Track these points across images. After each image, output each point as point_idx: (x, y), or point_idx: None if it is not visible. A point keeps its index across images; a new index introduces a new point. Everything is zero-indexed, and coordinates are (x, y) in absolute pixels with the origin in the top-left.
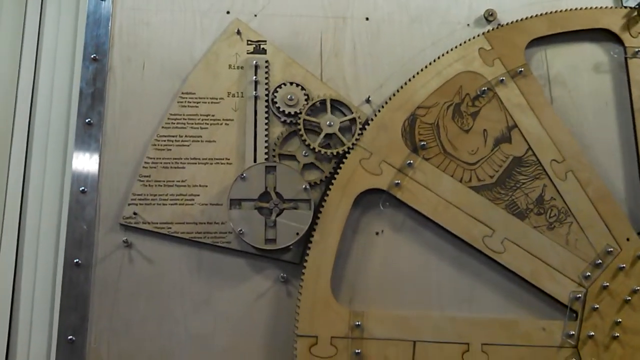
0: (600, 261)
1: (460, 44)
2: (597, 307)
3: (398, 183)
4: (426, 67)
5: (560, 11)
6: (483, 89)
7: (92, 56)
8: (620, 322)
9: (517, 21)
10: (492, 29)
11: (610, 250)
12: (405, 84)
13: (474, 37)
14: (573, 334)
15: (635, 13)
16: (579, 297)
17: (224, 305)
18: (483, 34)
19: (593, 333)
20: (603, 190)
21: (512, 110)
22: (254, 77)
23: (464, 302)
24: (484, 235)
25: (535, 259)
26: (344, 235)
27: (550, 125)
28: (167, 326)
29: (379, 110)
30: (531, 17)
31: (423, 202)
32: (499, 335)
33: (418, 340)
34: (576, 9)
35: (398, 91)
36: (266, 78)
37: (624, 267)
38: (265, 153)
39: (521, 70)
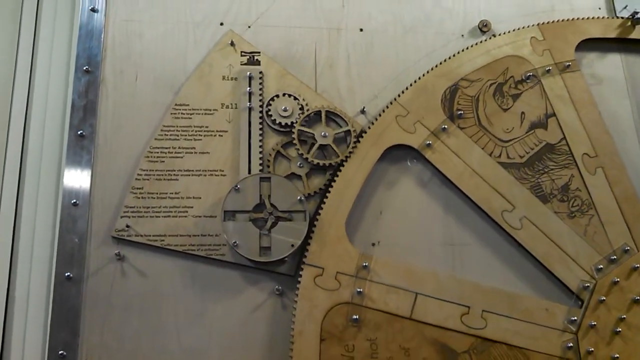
0: (615, 257)
1: (503, 33)
2: (604, 300)
3: (429, 144)
4: (471, 46)
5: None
6: (528, 74)
7: (85, 68)
8: (624, 318)
9: (573, 19)
10: (543, 25)
11: (627, 249)
12: (435, 66)
13: (525, 27)
14: (575, 320)
15: (629, 23)
16: (588, 286)
17: (219, 319)
18: (537, 24)
19: (595, 323)
20: (630, 192)
21: (553, 100)
22: (248, 88)
23: (473, 269)
24: (504, 209)
25: (550, 242)
26: (368, 184)
27: (589, 121)
28: (160, 341)
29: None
30: (586, 18)
31: (450, 166)
32: (501, 305)
33: (420, 293)
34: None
35: (445, 61)
36: (260, 89)
37: (638, 267)
38: (260, 164)
39: (569, 65)
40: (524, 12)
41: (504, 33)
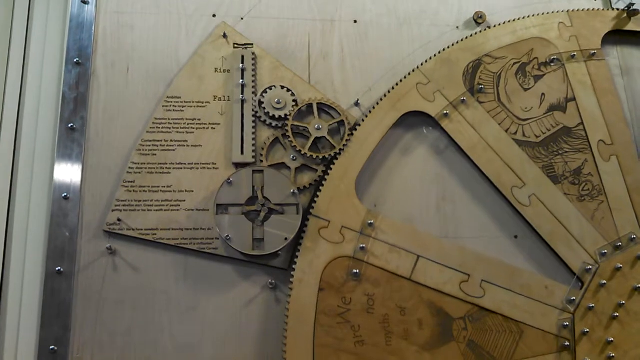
0: (620, 244)
1: (533, 16)
2: (604, 284)
3: (447, 114)
4: (499, 25)
5: (504, 23)
6: (553, 57)
7: (75, 60)
8: (624, 304)
9: (599, 9)
10: (572, 12)
11: (634, 238)
12: (448, 48)
13: (554, 12)
14: (574, 300)
15: (625, 15)
16: (590, 269)
17: (211, 313)
18: (567, 11)
19: (593, 305)
20: None
21: (575, 85)
22: (241, 80)
23: (478, 239)
24: (514, 185)
25: (557, 222)
26: (382, 147)
27: (608, 110)
28: (152, 335)
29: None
30: (583, 10)
31: (465, 137)
32: (501, 277)
33: (422, 256)
34: (568, 10)
35: (471, 36)
36: (253, 82)
37: None
38: (253, 157)
39: (594, 53)
40: (520, 4)
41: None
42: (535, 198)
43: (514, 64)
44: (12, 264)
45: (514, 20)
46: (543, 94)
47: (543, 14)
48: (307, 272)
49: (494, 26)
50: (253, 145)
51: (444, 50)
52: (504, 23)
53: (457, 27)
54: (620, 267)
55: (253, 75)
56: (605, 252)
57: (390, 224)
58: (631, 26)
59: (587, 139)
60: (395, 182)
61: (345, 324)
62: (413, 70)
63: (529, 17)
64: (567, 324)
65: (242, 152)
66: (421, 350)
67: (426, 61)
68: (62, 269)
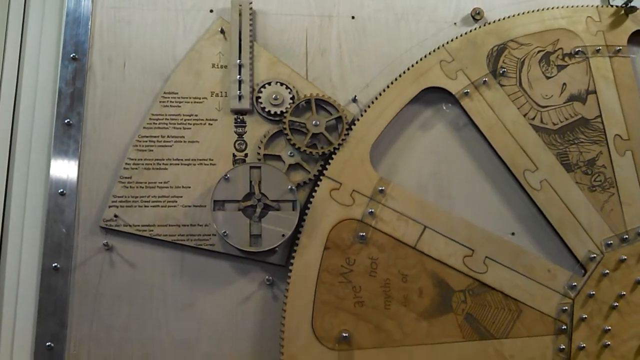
0: (627, 237)
1: (541, 10)
2: (607, 273)
3: (467, 93)
4: (528, 12)
5: (550, 8)
6: (578, 49)
7: (72, 55)
8: (624, 295)
9: (602, 6)
10: (601, 7)
11: None
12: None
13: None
14: (575, 286)
15: (622, 12)
16: (594, 257)
17: (208, 310)
18: (596, 6)
19: (594, 293)
20: None
21: (597, 78)
22: (238, 76)
23: (487, 217)
24: (526, 168)
25: (566, 209)
26: (399, 119)
27: (628, 106)
28: (149, 332)
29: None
30: (580, 6)
31: (483, 117)
32: (505, 256)
33: (429, 227)
34: (563, 7)
35: (499, 20)
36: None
37: None
38: (250, 104)
39: (619, 49)
40: (517, 0)
41: (497, 21)
42: (547, 183)
43: (539, 51)
44: (8, 260)
45: (542, 9)
46: (564, 84)
47: (569, 7)
48: (315, 230)
49: (521, 14)
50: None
51: (442, 46)
52: (532, 11)
53: (455, 24)
54: (625, 259)
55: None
56: (611, 243)
57: (401, 193)
58: None
59: (604, 132)
60: (409, 155)
61: (347, 284)
62: (435, 50)
63: (557, 7)
64: (567, 308)
65: (240, 100)
66: (419, 317)
67: (449, 41)
68: (58, 265)
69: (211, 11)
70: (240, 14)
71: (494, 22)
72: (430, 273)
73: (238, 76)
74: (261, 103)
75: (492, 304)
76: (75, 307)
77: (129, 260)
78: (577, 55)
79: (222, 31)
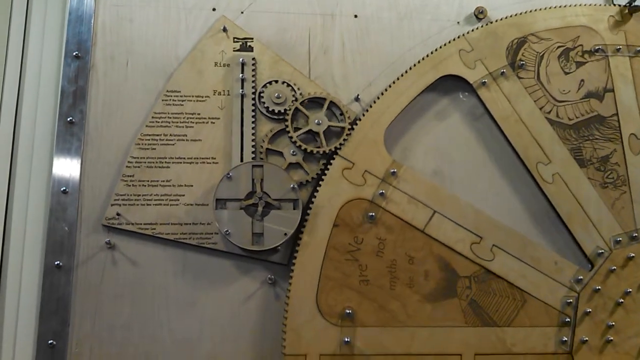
0: (636, 235)
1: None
2: (614, 269)
3: (485, 83)
4: (547, 8)
5: (572, 6)
6: (598, 47)
7: (75, 53)
8: (630, 292)
9: (605, 5)
10: (623, 7)
11: None
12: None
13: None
14: (581, 280)
15: (626, 11)
16: (602, 253)
17: (210, 309)
18: (619, 6)
19: (600, 288)
20: None
21: (615, 77)
22: (241, 74)
23: (498, 206)
24: (539, 161)
25: (577, 203)
26: (414, 106)
27: None
28: (151, 330)
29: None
30: (583, 5)
31: (499, 107)
32: (513, 245)
33: (439, 212)
34: (567, 6)
35: (520, 14)
36: (253, 76)
37: None
38: (252, 152)
39: (639, 51)
40: None
41: (482, 26)
42: (559, 177)
43: (559, 47)
44: (11, 258)
45: (564, 6)
46: (582, 80)
47: (591, 5)
48: (325, 207)
49: (537, 9)
50: (253, 140)
51: (462, 35)
52: (554, 7)
53: (458, 22)
54: (633, 257)
55: (253, 70)
56: (619, 240)
57: (413, 176)
58: None
59: (620, 130)
60: (423, 141)
61: (353, 262)
62: (454, 39)
63: (579, 5)
64: (571, 301)
65: (242, 159)
66: (423, 300)
67: (470, 31)
68: (61, 263)
69: (214, 9)
70: (243, 66)
71: (516, 15)
72: (437, 257)
73: (240, 75)
74: (264, 102)
75: (497, 292)
76: (77, 306)
77: (131, 259)
78: (596, 53)
79: (224, 29)
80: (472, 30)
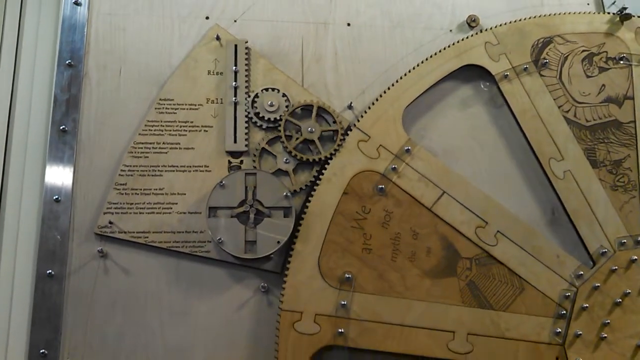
0: None
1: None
2: (616, 270)
3: (507, 75)
4: (577, 12)
5: (583, 13)
6: (622, 56)
7: (67, 62)
8: (630, 293)
9: (592, 13)
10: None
11: None
12: (458, 42)
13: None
14: (581, 275)
15: (617, 19)
16: (605, 252)
17: (203, 317)
18: (609, 13)
19: (599, 285)
20: None
21: (637, 86)
22: (234, 83)
23: (505, 194)
24: (552, 157)
25: (585, 201)
26: (435, 91)
27: None
28: (143, 339)
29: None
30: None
31: (517, 101)
32: (516, 234)
33: (448, 192)
34: (561, 14)
35: (551, 15)
36: (246, 84)
37: None
38: (245, 146)
39: None
40: (513, 7)
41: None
42: (570, 174)
43: (583, 50)
44: (3, 266)
45: (592, 12)
46: (603, 85)
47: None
48: (337, 175)
49: (570, 13)
50: (246, 146)
51: (489, 28)
52: (583, 13)
53: (451, 30)
54: (636, 259)
55: (246, 78)
56: (624, 242)
57: (426, 156)
58: None
59: (636, 137)
60: (440, 125)
61: (358, 230)
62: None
63: (608, 13)
64: (570, 295)
65: (235, 141)
66: (423, 275)
67: (497, 25)
68: (52, 272)
69: (207, 18)
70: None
71: (546, 15)
72: (441, 235)
73: (234, 83)
74: (257, 109)
75: (497, 276)
76: (69, 314)
77: (123, 267)
78: (621, 61)
79: (217, 38)
80: (501, 25)
